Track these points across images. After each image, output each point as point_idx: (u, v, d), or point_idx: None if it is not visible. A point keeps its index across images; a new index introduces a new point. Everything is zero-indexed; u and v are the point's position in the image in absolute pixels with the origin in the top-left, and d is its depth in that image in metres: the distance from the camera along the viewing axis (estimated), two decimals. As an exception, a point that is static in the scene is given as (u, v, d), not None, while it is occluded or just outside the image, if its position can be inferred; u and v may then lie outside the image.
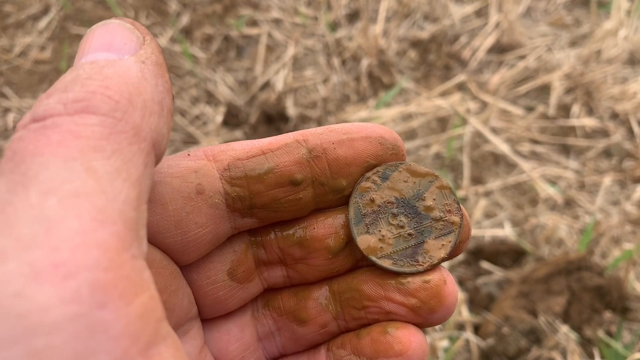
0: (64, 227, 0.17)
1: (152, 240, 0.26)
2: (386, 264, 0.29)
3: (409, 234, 0.29)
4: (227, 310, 0.31)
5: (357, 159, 0.29)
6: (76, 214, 0.18)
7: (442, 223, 0.29)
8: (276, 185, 0.28)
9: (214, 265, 0.29)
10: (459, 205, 0.29)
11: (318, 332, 0.31)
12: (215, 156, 0.28)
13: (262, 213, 0.29)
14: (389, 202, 0.30)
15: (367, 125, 0.29)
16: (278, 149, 0.28)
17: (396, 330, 0.28)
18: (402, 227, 0.29)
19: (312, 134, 0.29)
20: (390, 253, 0.29)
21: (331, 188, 0.29)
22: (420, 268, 0.29)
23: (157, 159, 0.23)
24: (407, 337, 0.28)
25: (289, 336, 0.31)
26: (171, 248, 0.27)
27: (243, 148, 0.28)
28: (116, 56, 0.22)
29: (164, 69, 0.23)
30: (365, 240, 0.29)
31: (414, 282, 0.29)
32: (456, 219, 0.29)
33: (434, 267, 0.29)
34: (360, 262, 0.31)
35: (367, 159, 0.29)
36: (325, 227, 0.30)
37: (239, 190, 0.28)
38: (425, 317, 0.28)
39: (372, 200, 0.29)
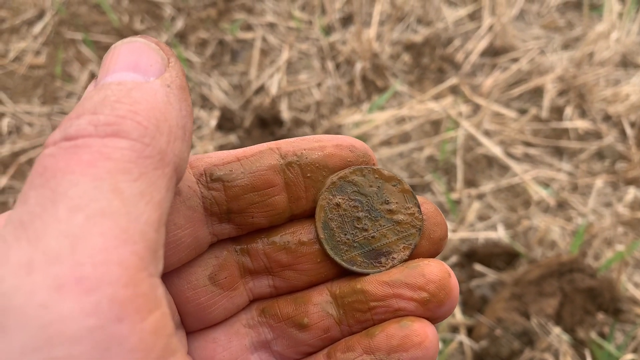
0: (88, 244, 0.19)
1: None
2: (351, 265, 0.31)
3: (373, 237, 0.31)
4: (212, 321, 0.31)
5: (329, 163, 0.30)
6: (101, 232, 0.19)
7: (404, 226, 0.31)
8: (252, 189, 0.29)
9: (195, 269, 0.30)
10: (419, 208, 0.31)
11: (320, 337, 0.30)
12: (191, 163, 0.29)
13: (239, 218, 0.30)
14: (354, 207, 0.31)
15: (339, 136, 0.31)
16: (252, 156, 0.30)
17: (412, 323, 0.29)
18: (366, 230, 0.31)
19: (285, 142, 0.30)
20: (355, 255, 0.31)
21: (305, 192, 0.30)
22: (382, 269, 0.31)
23: (177, 183, 0.24)
24: (423, 328, 0.28)
25: (288, 343, 0.31)
26: None
27: (218, 156, 0.30)
28: (142, 78, 0.23)
29: (186, 92, 0.24)
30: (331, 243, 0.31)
31: (423, 273, 0.29)
32: (417, 222, 0.31)
33: (394, 267, 0.31)
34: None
35: (338, 163, 0.31)
36: (312, 232, 0.31)
37: (216, 194, 0.29)
38: (433, 310, 0.29)
39: (338, 205, 0.31)
